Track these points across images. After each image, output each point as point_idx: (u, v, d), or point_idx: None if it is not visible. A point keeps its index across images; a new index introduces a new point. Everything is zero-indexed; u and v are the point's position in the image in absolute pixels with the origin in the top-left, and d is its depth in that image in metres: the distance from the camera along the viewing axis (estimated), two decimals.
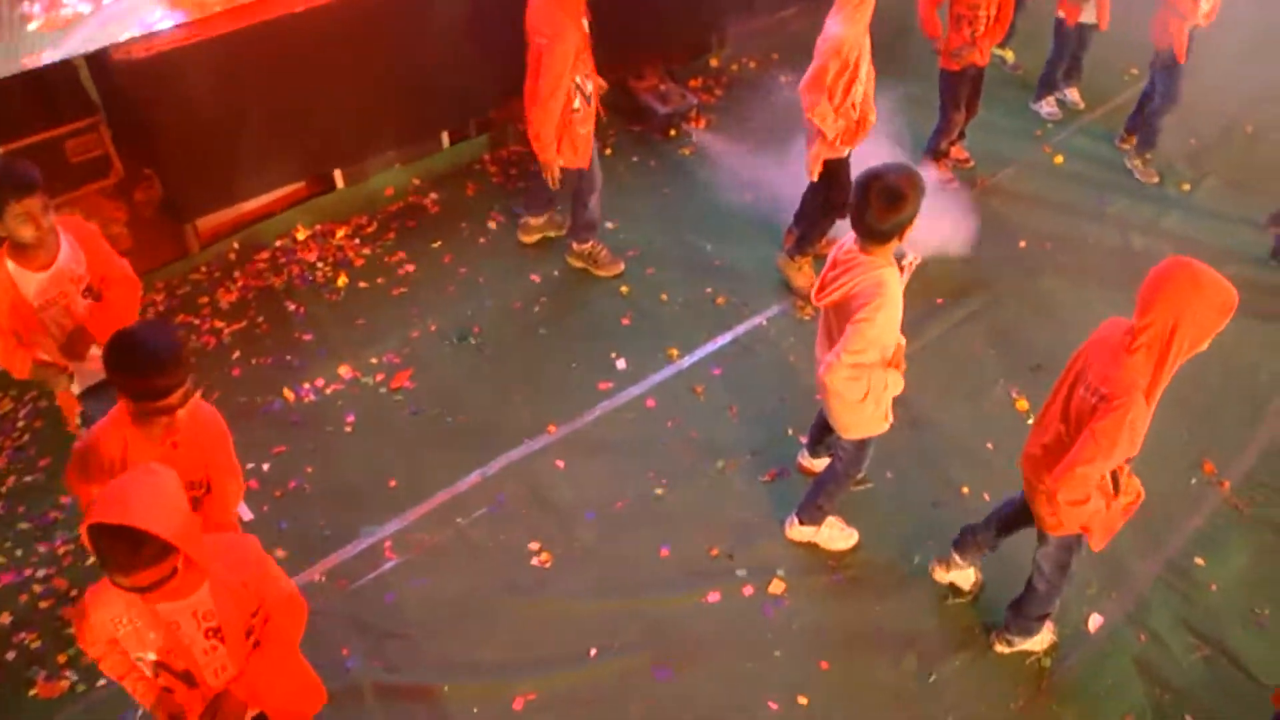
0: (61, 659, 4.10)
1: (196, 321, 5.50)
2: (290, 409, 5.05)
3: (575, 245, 5.64)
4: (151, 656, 2.76)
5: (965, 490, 4.70)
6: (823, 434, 4.45)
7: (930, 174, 6.29)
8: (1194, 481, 4.92)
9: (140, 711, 3.81)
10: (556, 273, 5.78)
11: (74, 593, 4.30)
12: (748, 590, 4.36)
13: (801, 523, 4.46)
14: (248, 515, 4.57)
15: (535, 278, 5.75)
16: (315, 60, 5.54)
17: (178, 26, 5.12)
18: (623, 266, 5.72)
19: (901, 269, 3.77)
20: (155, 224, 5.92)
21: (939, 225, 5.80)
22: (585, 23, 4.89)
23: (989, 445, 4.94)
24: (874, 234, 3.50)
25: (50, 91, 5.60)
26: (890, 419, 4.01)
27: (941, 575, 4.37)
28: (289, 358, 5.29)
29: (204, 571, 2.61)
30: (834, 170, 5.19)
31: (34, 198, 3.46)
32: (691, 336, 5.41)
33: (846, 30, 4.76)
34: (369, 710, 3.96)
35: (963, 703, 4.08)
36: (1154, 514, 4.64)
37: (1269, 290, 5.97)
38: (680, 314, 5.55)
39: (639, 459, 4.82)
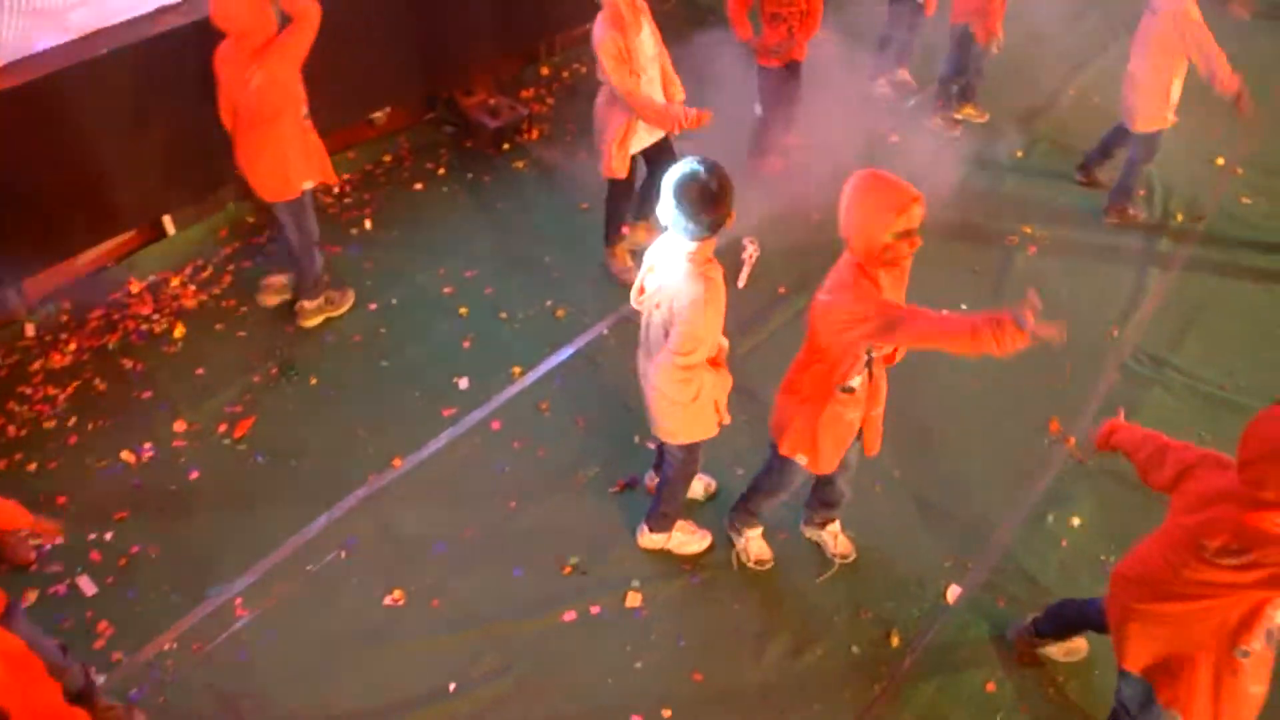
0: None
1: (29, 391, 5.26)
2: (131, 471, 4.86)
3: (307, 304, 5.46)
4: None
5: None
6: None
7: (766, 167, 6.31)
8: (1044, 442, 4.96)
9: None
10: (394, 301, 5.66)
11: None
12: (604, 605, 4.30)
13: (652, 531, 4.41)
14: (91, 589, 4.38)
15: (373, 307, 5.62)
16: (123, 104, 5.32)
17: None
18: (352, 294, 5.60)
19: (742, 261, 3.78)
20: None
21: (771, 212, 5.81)
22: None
23: None
24: (690, 232, 3.41)
25: None
26: (725, 419, 3.95)
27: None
28: (127, 418, 5.08)
29: None
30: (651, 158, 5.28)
31: None
32: (534, 353, 5.34)
33: (600, 30, 4.80)
34: None
35: (827, 691, 4.07)
36: (1008, 477, 4.72)
37: (1103, 248, 6.15)
38: (521, 331, 5.47)
39: (487, 483, 4.74)
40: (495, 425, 5.01)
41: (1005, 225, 6.24)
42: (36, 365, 5.35)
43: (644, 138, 5.20)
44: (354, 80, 6.22)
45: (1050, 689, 4.07)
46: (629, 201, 5.59)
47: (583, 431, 4.97)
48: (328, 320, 5.54)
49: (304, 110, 4.77)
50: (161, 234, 6.05)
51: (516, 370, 5.23)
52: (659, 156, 5.31)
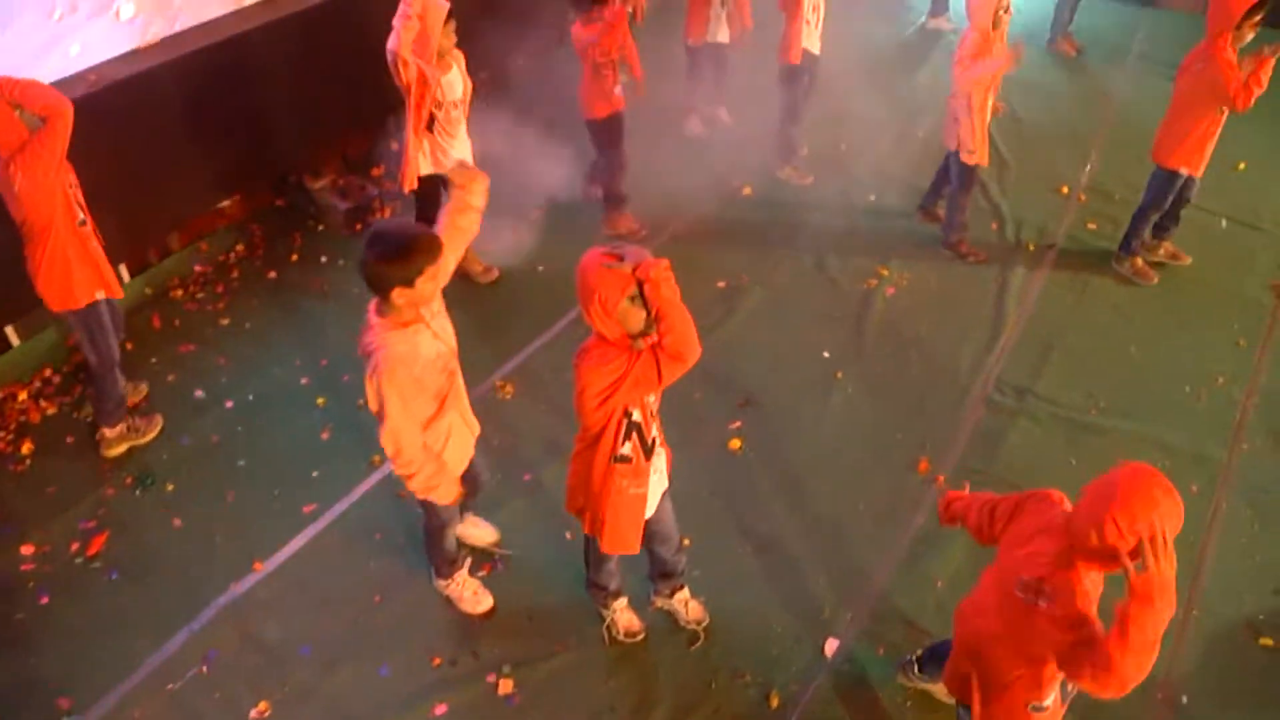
0: None
1: None
2: None
3: (108, 432, 5.19)
4: None
5: (687, 541, 4.59)
6: None
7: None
8: (914, 482, 4.96)
9: None
10: (251, 397, 5.51)
11: None
12: (476, 695, 4.17)
13: (437, 576, 4.40)
14: None
15: (229, 404, 5.46)
16: None
17: None
18: (160, 420, 5.37)
19: None
20: None
21: None
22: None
23: (707, 490, 4.88)
24: (376, 289, 3.35)
25: None
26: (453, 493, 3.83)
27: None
28: None
29: None
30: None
31: None
32: None
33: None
34: None
35: None
36: (880, 521, 4.71)
37: (961, 284, 6.27)
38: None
39: (350, 578, 4.58)
40: (356, 516, 4.84)
41: (862, 268, 6.31)
42: None
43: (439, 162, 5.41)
44: (197, 170, 6.16)
45: None
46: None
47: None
48: (183, 424, 5.32)
49: (79, 217, 4.61)
50: (6, 346, 5.80)
51: (376, 459, 5.09)
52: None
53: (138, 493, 5.03)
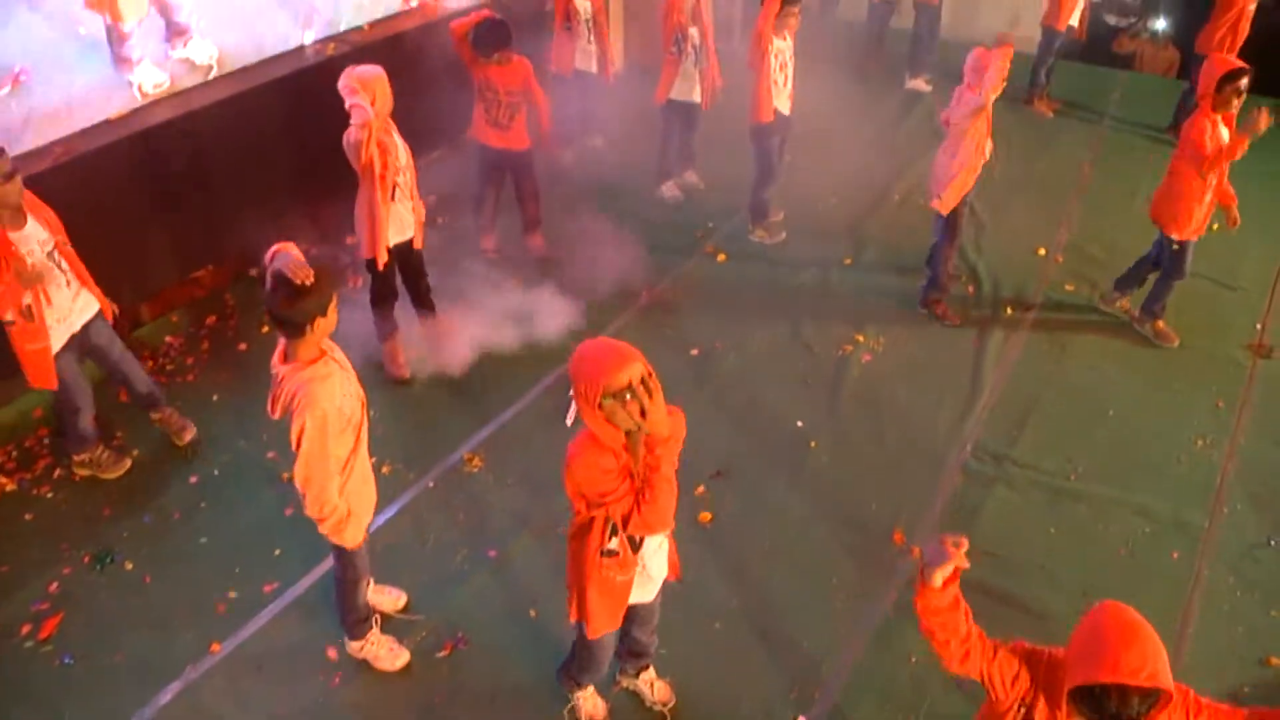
0: None
1: None
2: None
3: (75, 456, 5.27)
4: None
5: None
6: None
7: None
8: (889, 553, 4.86)
9: None
10: (216, 471, 5.40)
11: None
12: None
13: (350, 639, 4.31)
14: None
15: (194, 479, 5.35)
16: None
17: None
18: (128, 462, 5.38)
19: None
20: None
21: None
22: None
23: None
24: (284, 326, 3.40)
25: None
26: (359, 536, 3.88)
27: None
28: None
29: None
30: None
31: None
32: None
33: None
34: None
35: None
36: (854, 594, 4.60)
37: (938, 348, 6.22)
38: None
39: (310, 658, 4.46)
40: (317, 596, 4.72)
41: (838, 333, 6.25)
42: None
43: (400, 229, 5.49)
44: (169, 241, 6.15)
45: None
46: (389, 303, 5.72)
47: (408, 590, 4.72)
48: (147, 500, 5.22)
49: (8, 316, 4.56)
50: None
51: None
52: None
53: (97, 570, 4.88)
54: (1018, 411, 5.68)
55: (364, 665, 4.41)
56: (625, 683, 4.23)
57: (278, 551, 4.95)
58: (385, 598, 4.60)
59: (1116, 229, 7.34)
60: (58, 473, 5.38)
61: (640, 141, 7.69)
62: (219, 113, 6.23)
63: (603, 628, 3.55)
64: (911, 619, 4.53)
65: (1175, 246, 5.87)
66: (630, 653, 4.06)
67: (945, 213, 5.98)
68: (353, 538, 3.87)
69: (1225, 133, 5.52)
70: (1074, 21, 8.59)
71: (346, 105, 4.97)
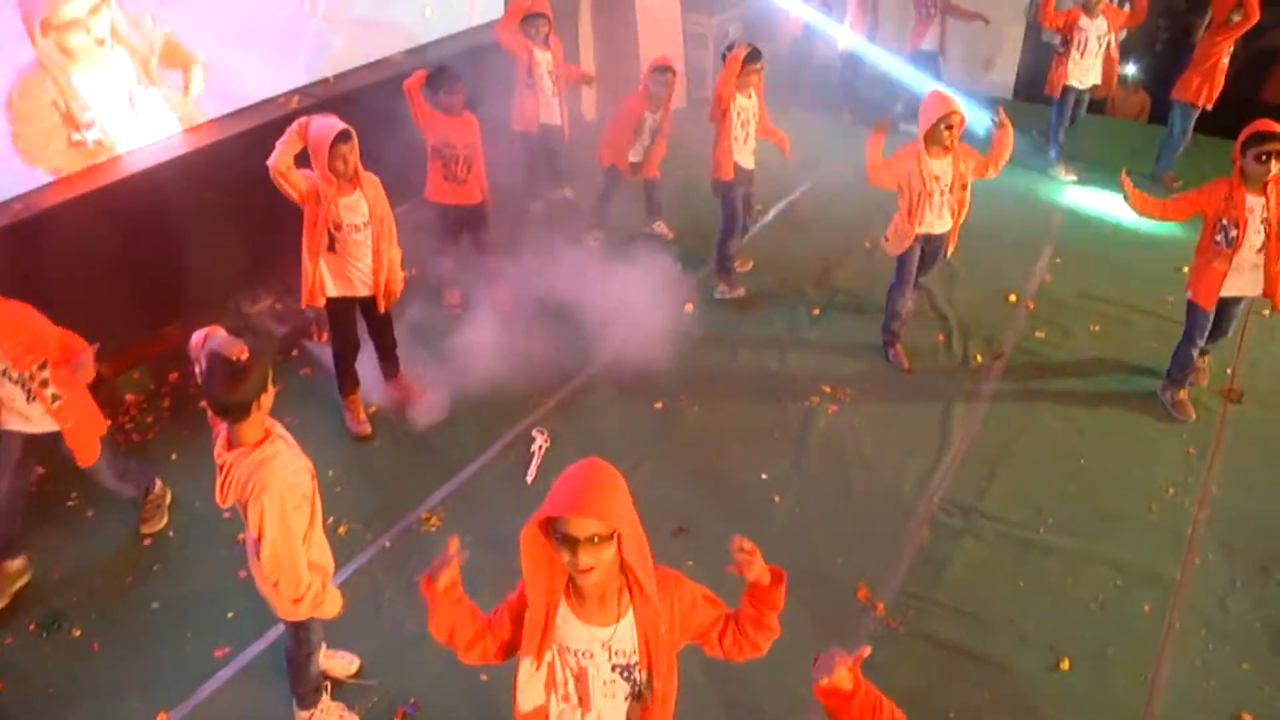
0: None
1: None
2: None
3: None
4: None
5: None
6: None
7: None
8: (850, 610, 4.76)
9: None
10: (172, 533, 5.31)
11: None
12: None
13: (300, 707, 4.18)
14: None
15: (148, 541, 5.25)
16: None
17: None
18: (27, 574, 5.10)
19: (531, 454, 3.79)
20: None
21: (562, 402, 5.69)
22: None
23: None
24: (229, 411, 3.30)
25: None
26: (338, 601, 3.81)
27: None
28: None
29: None
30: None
31: None
32: None
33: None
34: None
35: None
36: (813, 655, 4.46)
37: (906, 399, 6.19)
38: None
39: None
40: (268, 661, 4.61)
41: (805, 385, 6.19)
42: None
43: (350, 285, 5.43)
44: (131, 298, 6.11)
45: None
46: (346, 358, 5.70)
47: (361, 654, 4.61)
48: (97, 562, 5.10)
49: None
50: None
51: None
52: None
53: (42, 638, 4.77)
54: (987, 462, 5.60)
55: None
56: None
57: (230, 614, 4.84)
58: (337, 663, 4.50)
59: (1088, 273, 7.32)
60: None
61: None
62: (183, 167, 6.23)
63: None
64: (874, 673, 4.44)
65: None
66: None
67: (892, 254, 6.03)
68: (333, 606, 3.80)
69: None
70: (1075, 83, 8.48)
71: None
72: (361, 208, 5.23)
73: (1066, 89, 8.44)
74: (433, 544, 5.16)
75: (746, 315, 6.85)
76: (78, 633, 4.82)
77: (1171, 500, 5.40)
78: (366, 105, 6.77)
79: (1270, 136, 5.18)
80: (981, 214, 6.45)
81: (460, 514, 5.33)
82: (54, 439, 4.75)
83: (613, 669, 2.78)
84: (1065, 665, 4.54)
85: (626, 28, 8.90)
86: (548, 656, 2.76)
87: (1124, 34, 8.66)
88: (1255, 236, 5.40)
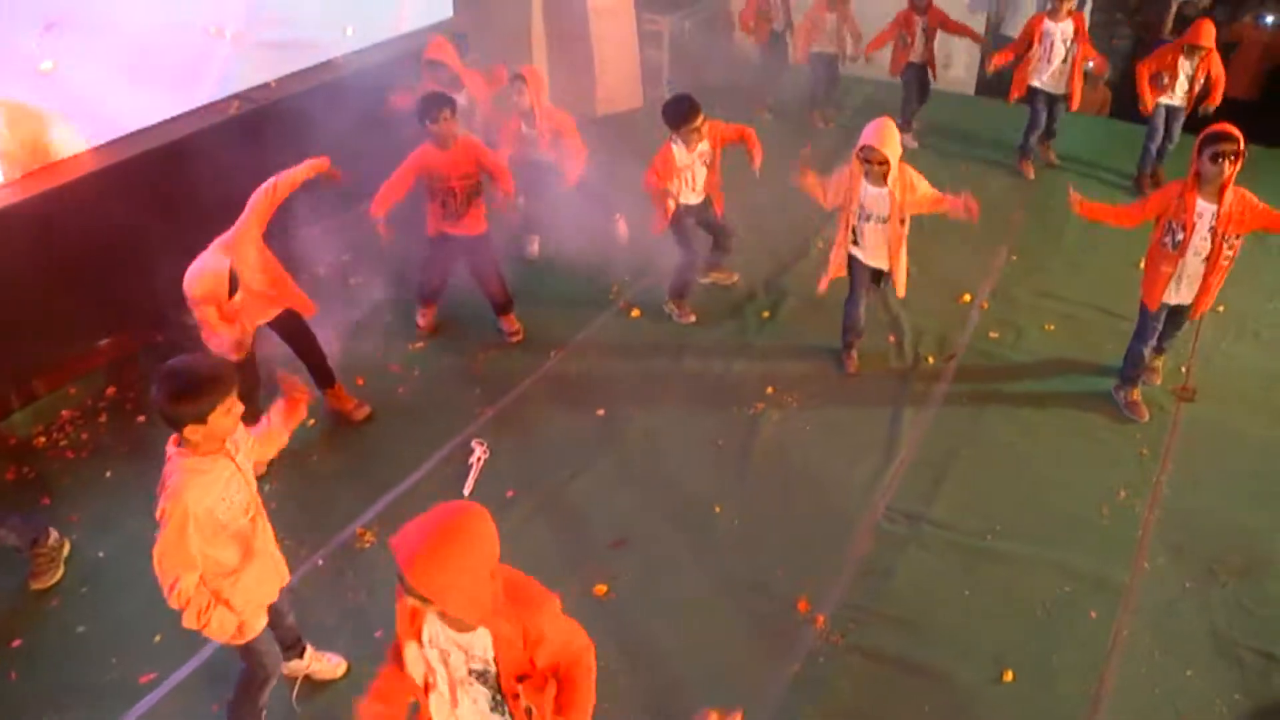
0: None
1: None
2: None
3: None
4: None
5: None
6: None
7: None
8: (790, 623, 4.66)
9: None
10: (101, 554, 5.19)
11: None
12: None
13: None
14: None
15: (77, 562, 5.10)
16: None
17: None
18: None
19: (469, 465, 3.88)
20: None
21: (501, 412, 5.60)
22: None
23: None
24: (171, 427, 3.30)
25: None
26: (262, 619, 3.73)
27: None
28: None
29: None
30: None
31: None
32: None
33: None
34: None
35: None
36: (754, 668, 4.40)
37: (854, 403, 6.07)
38: None
39: None
40: (195, 685, 4.50)
41: (751, 391, 6.09)
42: None
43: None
44: (66, 311, 5.98)
45: None
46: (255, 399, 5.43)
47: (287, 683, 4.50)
48: (24, 587, 4.98)
49: None
50: None
51: None
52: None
53: None
54: (935, 468, 5.51)
55: None
56: None
57: (158, 638, 4.72)
58: (324, 665, 4.48)
59: (1045, 272, 7.23)
60: None
61: (557, 199, 7.54)
62: (116, 177, 6.12)
63: None
64: (811, 695, 4.38)
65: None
66: None
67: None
68: (220, 632, 3.65)
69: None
70: (1041, 84, 8.32)
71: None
72: (253, 270, 5.16)
73: (1035, 91, 8.27)
74: (366, 561, 5.05)
75: (697, 318, 6.72)
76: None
77: (1123, 503, 5.32)
78: (317, 106, 6.65)
79: (1224, 137, 5.07)
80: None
81: (393, 529, 5.10)
82: None
83: (469, 672, 2.81)
84: (1009, 676, 4.45)
85: (578, 26, 8.77)
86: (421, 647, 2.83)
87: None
88: (1202, 243, 5.28)
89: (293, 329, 5.55)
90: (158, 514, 3.37)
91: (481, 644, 2.75)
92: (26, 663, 4.67)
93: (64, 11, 5.78)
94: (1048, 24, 8.04)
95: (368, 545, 5.15)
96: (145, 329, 6.65)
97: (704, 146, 6.19)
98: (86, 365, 6.40)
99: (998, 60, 8.28)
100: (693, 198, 6.37)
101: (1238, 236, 5.27)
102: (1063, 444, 5.72)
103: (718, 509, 5.28)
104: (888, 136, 5.46)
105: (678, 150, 6.10)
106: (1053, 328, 6.69)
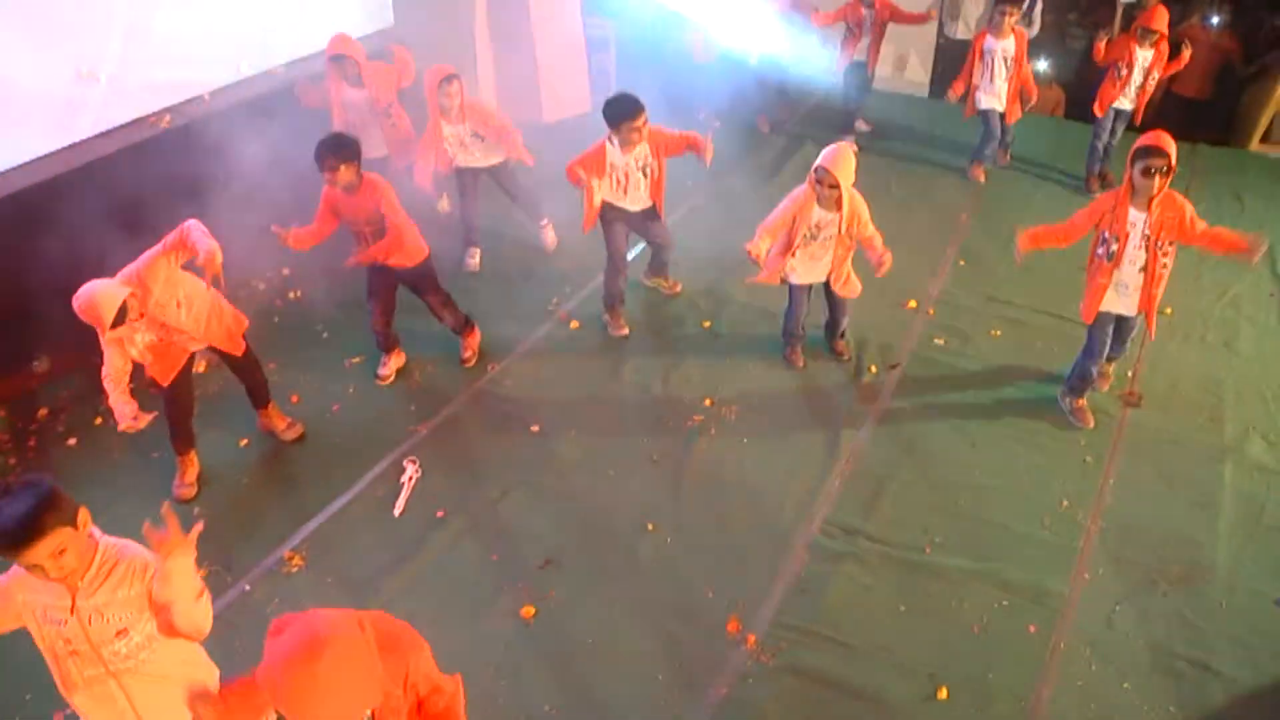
0: None
1: None
2: None
3: None
4: None
5: None
6: None
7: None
8: (718, 645, 4.57)
9: None
10: None
11: None
12: None
13: None
14: None
15: None
16: None
17: None
18: None
19: (400, 485, 3.81)
20: None
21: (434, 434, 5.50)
22: None
23: (491, 668, 4.46)
24: None
25: None
26: None
27: None
28: None
29: None
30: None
31: None
32: None
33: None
34: None
35: None
36: (678, 693, 4.30)
37: (793, 414, 5.98)
38: None
39: None
40: None
41: (689, 404, 5.99)
42: None
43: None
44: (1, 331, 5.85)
45: None
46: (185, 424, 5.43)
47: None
48: None
49: None
50: None
51: None
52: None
53: None
54: (875, 480, 5.43)
55: None
56: None
57: None
58: None
59: (993, 276, 7.17)
60: None
61: (493, 205, 7.44)
62: (66, 184, 6.06)
63: None
64: (742, 714, 4.29)
65: None
66: None
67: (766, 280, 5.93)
68: None
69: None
70: (987, 104, 8.22)
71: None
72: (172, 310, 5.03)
73: (985, 113, 8.22)
74: (295, 586, 4.94)
75: (633, 331, 6.62)
76: None
77: (1065, 513, 5.25)
78: (251, 119, 6.53)
79: (1155, 151, 5.00)
80: (887, 216, 6.34)
81: (322, 552, 5.11)
82: None
83: None
84: (943, 694, 4.38)
85: (522, 31, 8.67)
86: None
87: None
88: (1137, 254, 5.22)
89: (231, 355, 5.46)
90: None
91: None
92: None
93: None
94: (989, 41, 7.95)
95: (295, 570, 5.03)
96: (81, 351, 6.49)
97: (643, 151, 6.03)
98: (22, 386, 6.27)
99: (957, 88, 8.20)
100: (627, 203, 6.21)
101: (1171, 244, 5.20)
102: (1006, 453, 5.65)
103: (650, 527, 5.19)
104: (843, 162, 5.44)
105: (611, 149, 5.94)
106: (1000, 333, 6.61)
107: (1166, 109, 9.00)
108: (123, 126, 6.59)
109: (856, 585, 4.90)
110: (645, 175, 6.14)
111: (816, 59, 8.98)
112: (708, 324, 6.73)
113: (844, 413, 5.94)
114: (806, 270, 5.86)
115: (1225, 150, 9.20)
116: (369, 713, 2.65)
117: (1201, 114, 9.47)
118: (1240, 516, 5.25)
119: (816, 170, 5.44)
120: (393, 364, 6.25)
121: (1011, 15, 7.81)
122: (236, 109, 6.90)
